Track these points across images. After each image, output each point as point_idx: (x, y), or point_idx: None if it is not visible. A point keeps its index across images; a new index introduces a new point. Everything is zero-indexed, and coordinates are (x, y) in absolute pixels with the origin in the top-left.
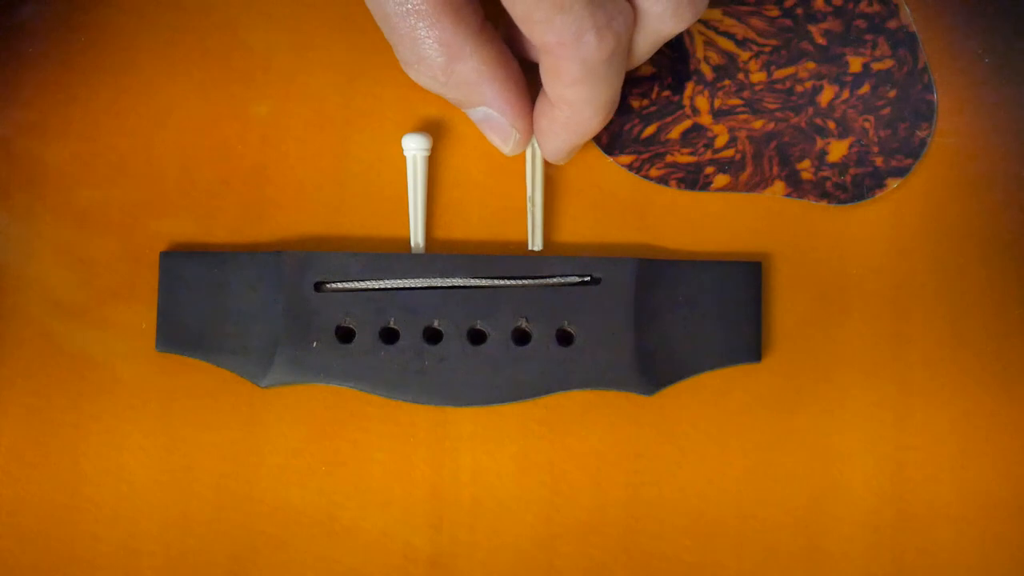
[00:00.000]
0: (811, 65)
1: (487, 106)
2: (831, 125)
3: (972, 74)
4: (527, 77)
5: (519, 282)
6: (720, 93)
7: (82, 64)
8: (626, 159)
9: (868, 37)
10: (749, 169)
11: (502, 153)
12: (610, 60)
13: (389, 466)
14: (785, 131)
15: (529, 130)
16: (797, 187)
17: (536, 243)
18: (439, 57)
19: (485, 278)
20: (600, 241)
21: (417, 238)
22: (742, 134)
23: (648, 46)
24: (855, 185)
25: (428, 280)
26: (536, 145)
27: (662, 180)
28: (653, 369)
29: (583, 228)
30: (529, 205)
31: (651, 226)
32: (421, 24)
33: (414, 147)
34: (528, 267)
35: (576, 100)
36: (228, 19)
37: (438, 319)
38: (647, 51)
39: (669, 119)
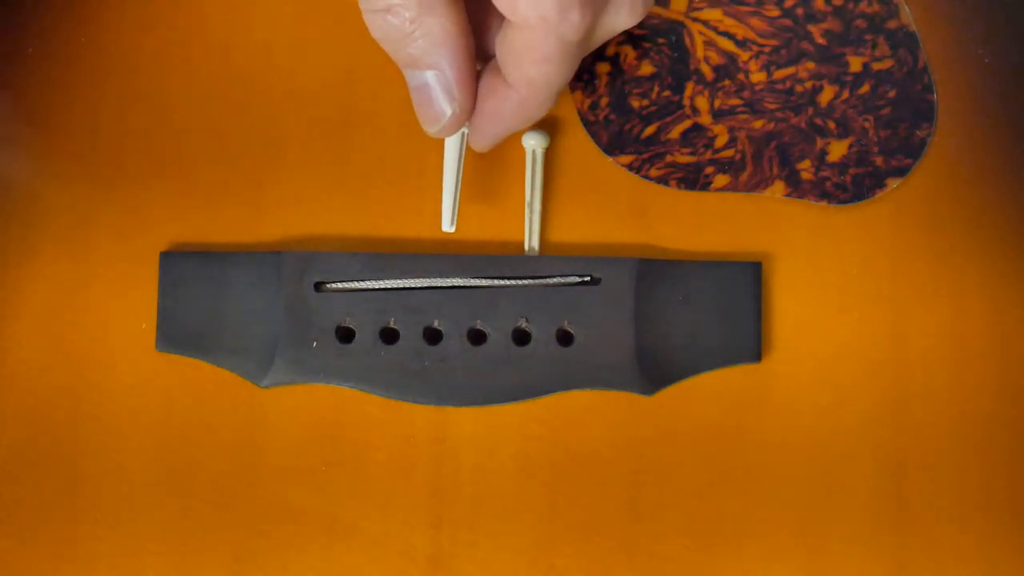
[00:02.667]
0: (811, 65)
1: (437, 70)
2: (831, 125)
3: (972, 74)
4: None
5: (519, 282)
6: (720, 93)
7: (83, 63)
8: (626, 159)
9: (868, 37)
10: (749, 169)
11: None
12: (582, 41)
13: (389, 466)
14: (785, 131)
15: (468, 108)
16: (797, 187)
17: (533, 247)
18: (412, 7)
19: (485, 278)
20: (600, 241)
21: (447, 223)
22: (742, 134)
23: (599, 39)
24: (855, 185)
25: (428, 280)
26: (536, 152)
27: (662, 180)
28: (653, 369)
29: (583, 228)
30: (527, 211)
31: (651, 226)
32: None
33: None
34: (528, 267)
35: (539, 80)
36: (228, 19)
37: (438, 319)
38: (597, 43)
39: (669, 119)
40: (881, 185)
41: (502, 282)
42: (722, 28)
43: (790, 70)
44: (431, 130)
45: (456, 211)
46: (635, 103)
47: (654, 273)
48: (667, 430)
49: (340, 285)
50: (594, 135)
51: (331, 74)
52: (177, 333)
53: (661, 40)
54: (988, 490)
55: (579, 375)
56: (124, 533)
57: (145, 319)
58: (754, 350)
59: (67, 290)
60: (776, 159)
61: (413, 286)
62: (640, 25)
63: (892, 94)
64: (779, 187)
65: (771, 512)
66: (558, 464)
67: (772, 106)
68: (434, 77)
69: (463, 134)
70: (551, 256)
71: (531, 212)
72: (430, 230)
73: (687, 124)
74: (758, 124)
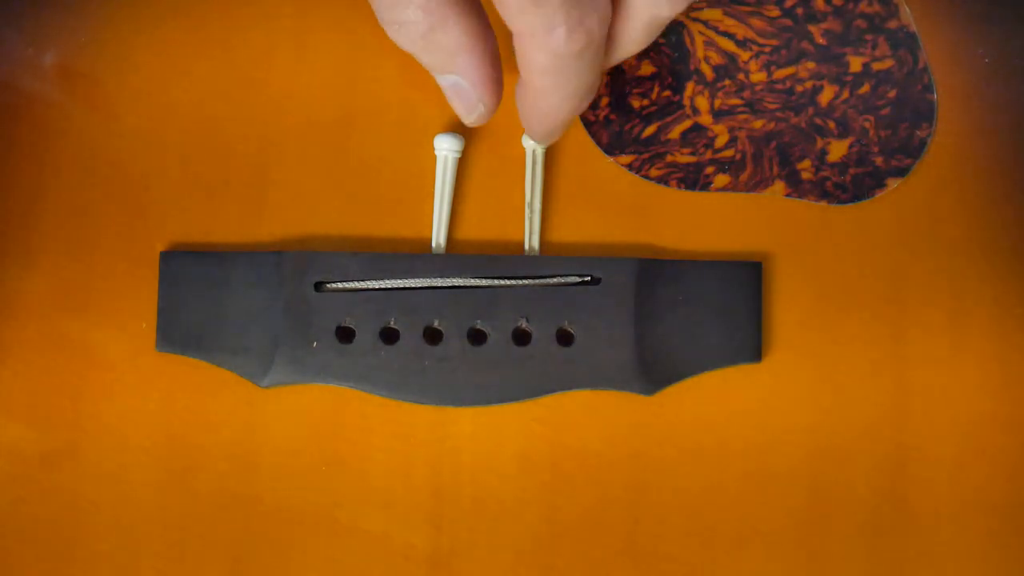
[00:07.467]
0: (811, 65)
1: (458, 75)
2: (831, 125)
3: (972, 74)
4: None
5: (519, 282)
6: (720, 93)
7: (82, 63)
8: (626, 159)
9: (868, 37)
10: (749, 169)
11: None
12: (580, 55)
13: (389, 466)
14: (785, 131)
15: (494, 105)
16: (797, 187)
17: (533, 248)
18: (421, 23)
19: (485, 278)
20: (600, 241)
21: (439, 238)
22: (742, 134)
23: (645, 32)
24: (855, 185)
25: (428, 280)
26: (536, 152)
27: (662, 180)
28: (653, 369)
29: (583, 228)
30: (528, 211)
31: (651, 226)
32: None
33: (446, 148)
34: (528, 267)
35: (544, 87)
36: (229, 18)
37: (438, 319)
38: (646, 37)
39: (669, 119)
40: (881, 185)
41: (502, 282)
42: (722, 28)
43: (790, 70)
44: (467, 121)
45: (446, 232)
46: (635, 103)
47: (654, 273)
48: (667, 430)
49: (340, 285)
50: (594, 135)
51: (331, 73)
52: (177, 333)
53: (661, 40)
54: (988, 490)
55: (579, 375)
56: (124, 533)
57: (145, 319)
58: (754, 350)
59: (67, 290)
60: (776, 159)
61: (413, 286)
62: None
63: (892, 94)
64: (779, 187)
65: (771, 512)
66: (558, 464)
67: (772, 106)
68: (458, 79)
69: (454, 159)
70: (551, 256)
71: (531, 212)
72: (430, 230)
73: (687, 124)
74: (758, 124)
